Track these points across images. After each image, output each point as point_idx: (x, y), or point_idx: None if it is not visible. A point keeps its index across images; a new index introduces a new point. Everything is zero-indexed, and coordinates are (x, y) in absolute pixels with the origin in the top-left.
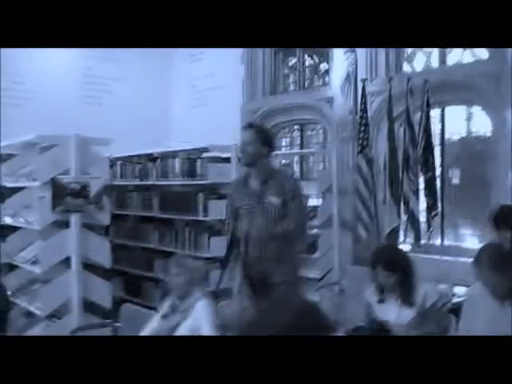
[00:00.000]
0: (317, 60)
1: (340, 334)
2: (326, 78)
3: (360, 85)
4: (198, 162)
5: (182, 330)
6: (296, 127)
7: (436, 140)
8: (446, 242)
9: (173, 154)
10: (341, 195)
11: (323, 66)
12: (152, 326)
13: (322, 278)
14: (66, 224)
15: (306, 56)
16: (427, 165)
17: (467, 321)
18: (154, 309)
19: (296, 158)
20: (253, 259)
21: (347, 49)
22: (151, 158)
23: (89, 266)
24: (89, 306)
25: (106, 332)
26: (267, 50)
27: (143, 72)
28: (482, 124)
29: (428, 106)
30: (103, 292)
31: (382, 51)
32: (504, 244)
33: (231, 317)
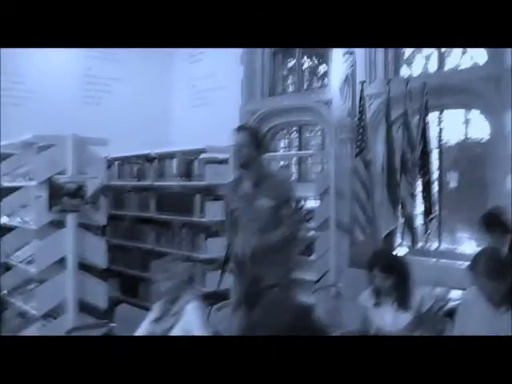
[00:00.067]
0: (316, 62)
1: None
2: (325, 80)
3: (358, 87)
4: (196, 163)
5: (174, 333)
6: (294, 129)
7: (434, 143)
8: (443, 246)
9: (170, 155)
10: (338, 197)
11: (322, 68)
12: (144, 330)
13: (318, 280)
14: (62, 224)
15: (304, 58)
16: (425, 168)
17: (462, 324)
18: (150, 310)
19: (294, 160)
20: (245, 264)
21: (346, 51)
22: (149, 158)
23: (85, 266)
24: (84, 306)
25: (102, 332)
26: (266, 51)
27: (143, 72)
28: (480, 128)
29: (426, 109)
30: (99, 292)
31: (380, 53)
32: (500, 248)
33: (225, 321)
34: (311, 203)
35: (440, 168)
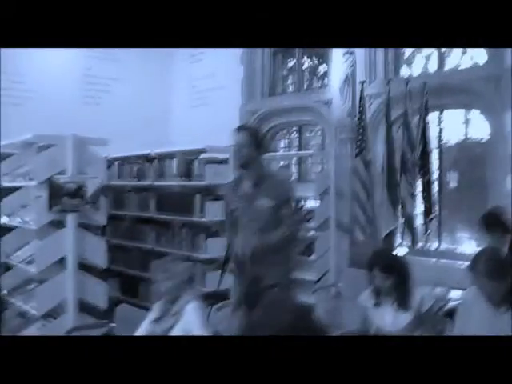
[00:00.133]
0: (316, 62)
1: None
2: (325, 80)
3: (358, 87)
4: (196, 163)
5: (174, 333)
6: (294, 129)
7: (434, 143)
8: (443, 246)
9: (170, 155)
10: (338, 197)
11: (322, 68)
12: (144, 330)
13: (318, 280)
14: (62, 224)
15: (304, 58)
16: (425, 168)
17: (462, 324)
18: (150, 310)
19: (294, 160)
20: (245, 264)
21: (346, 51)
22: (149, 158)
23: (85, 266)
24: (84, 306)
25: (102, 332)
26: (266, 51)
27: (143, 72)
28: (480, 128)
29: (426, 109)
30: (99, 292)
31: (380, 53)
32: (500, 248)
33: (225, 321)
34: (311, 203)
35: (440, 168)
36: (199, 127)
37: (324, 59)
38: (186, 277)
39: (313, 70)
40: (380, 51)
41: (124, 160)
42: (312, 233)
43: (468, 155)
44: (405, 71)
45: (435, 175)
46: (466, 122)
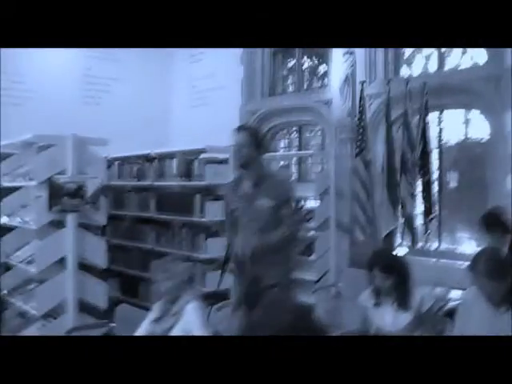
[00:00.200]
0: (316, 62)
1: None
2: (325, 80)
3: (358, 87)
4: (196, 163)
5: (174, 333)
6: (294, 129)
7: (434, 143)
8: (443, 246)
9: (170, 155)
10: (338, 197)
11: (322, 68)
12: (144, 330)
13: (318, 280)
14: (62, 224)
15: (304, 58)
16: (425, 168)
17: (462, 324)
18: (150, 310)
19: (294, 160)
20: (245, 264)
21: (346, 51)
22: (149, 158)
23: (85, 266)
24: (84, 306)
25: (102, 332)
26: (266, 51)
27: (143, 72)
28: (480, 128)
29: (426, 109)
30: (99, 292)
31: (380, 53)
32: (500, 248)
33: (225, 321)
34: (311, 203)
35: (440, 168)
36: (199, 127)
37: (324, 59)
38: (186, 277)
39: (313, 70)
40: (380, 51)
41: (124, 160)
42: (312, 233)
43: (468, 155)
44: (405, 71)
45: (435, 175)
46: (466, 122)
